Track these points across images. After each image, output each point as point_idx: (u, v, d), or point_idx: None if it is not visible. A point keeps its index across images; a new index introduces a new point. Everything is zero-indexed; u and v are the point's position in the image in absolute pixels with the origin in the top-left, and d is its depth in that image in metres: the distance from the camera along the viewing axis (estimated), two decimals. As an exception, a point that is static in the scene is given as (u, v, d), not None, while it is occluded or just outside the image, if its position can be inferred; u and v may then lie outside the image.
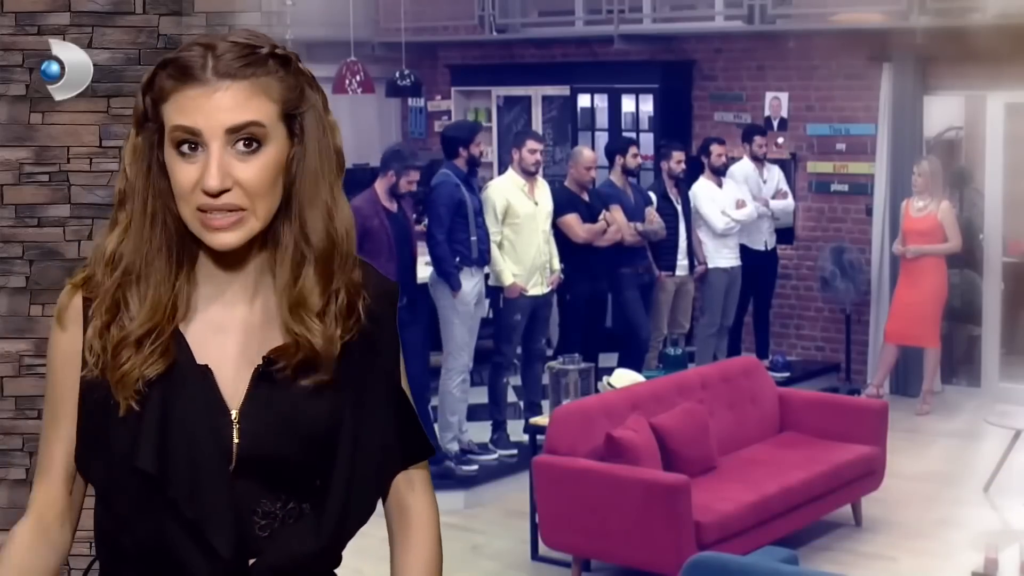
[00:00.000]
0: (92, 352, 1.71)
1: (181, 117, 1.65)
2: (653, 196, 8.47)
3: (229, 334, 1.76)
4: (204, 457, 1.71)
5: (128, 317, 1.71)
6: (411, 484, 1.90)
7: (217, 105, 1.65)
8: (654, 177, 8.90)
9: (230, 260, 1.74)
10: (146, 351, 1.69)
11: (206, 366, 1.72)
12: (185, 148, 1.66)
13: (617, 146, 8.48)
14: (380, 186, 6.96)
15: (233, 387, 1.73)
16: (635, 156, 8.31)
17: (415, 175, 7.08)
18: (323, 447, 1.76)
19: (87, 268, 1.77)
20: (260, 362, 1.74)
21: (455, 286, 7.15)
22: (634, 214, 8.18)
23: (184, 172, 1.66)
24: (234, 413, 1.73)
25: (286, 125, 1.70)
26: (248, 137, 1.66)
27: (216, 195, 1.64)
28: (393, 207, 6.94)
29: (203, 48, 1.67)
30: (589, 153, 8.17)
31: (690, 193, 8.76)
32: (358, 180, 9.04)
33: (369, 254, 6.54)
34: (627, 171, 8.29)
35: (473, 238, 7.22)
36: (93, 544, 1.81)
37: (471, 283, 7.27)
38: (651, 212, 8.29)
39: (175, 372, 1.71)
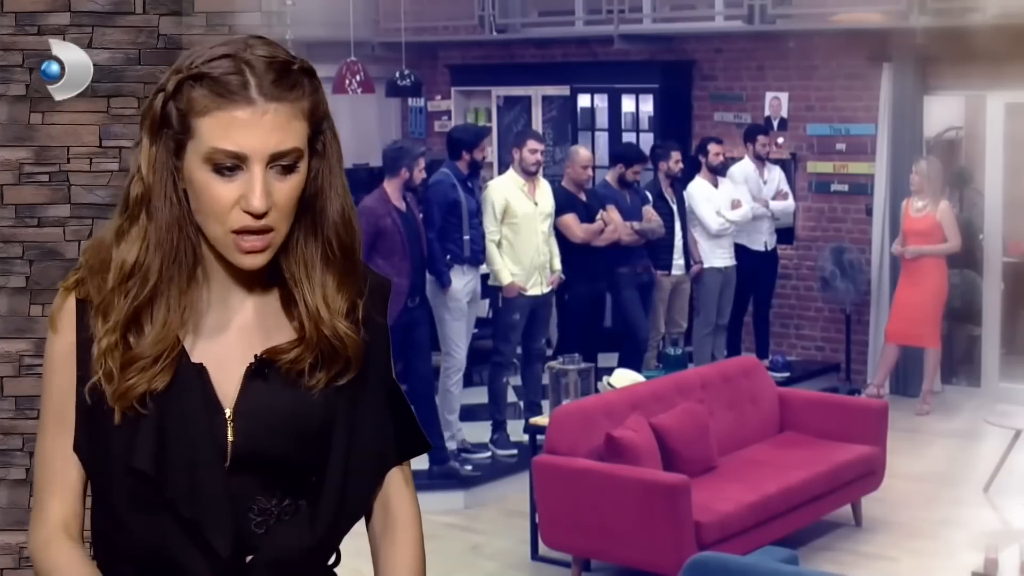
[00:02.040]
0: (98, 362, 1.70)
1: (225, 139, 1.63)
2: (649, 196, 8.48)
3: (225, 334, 1.76)
4: (200, 456, 1.71)
5: (139, 336, 1.70)
6: (395, 481, 1.90)
7: (266, 128, 1.64)
8: (653, 176, 8.89)
9: (245, 272, 1.74)
10: (156, 369, 1.69)
11: (201, 365, 1.73)
12: (223, 167, 1.65)
13: (623, 157, 8.42)
14: (390, 186, 6.95)
15: (228, 386, 1.74)
16: (636, 173, 8.31)
17: (423, 162, 7.10)
18: (318, 443, 1.76)
19: (79, 271, 1.76)
20: (253, 360, 1.74)
21: (445, 283, 7.18)
22: (631, 214, 8.19)
23: (223, 190, 1.65)
24: (228, 411, 1.73)
25: (311, 141, 1.71)
26: (287, 159, 1.67)
27: (259, 216, 1.65)
28: (403, 206, 6.95)
29: (235, 62, 1.65)
30: (585, 152, 8.17)
31: (685, 193, 8.77)
32: (358, 180, 9.06)
33: (382, 253, 6.57)
34: (623, 182, 8.28)
35: (466, 237, 7.24)
36: (90, 544, 1.81)
37: (463, 281, 7.29)
38: (649, 211, 8.30)
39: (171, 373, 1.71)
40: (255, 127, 1.63)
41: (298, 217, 1.72)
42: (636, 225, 8.15)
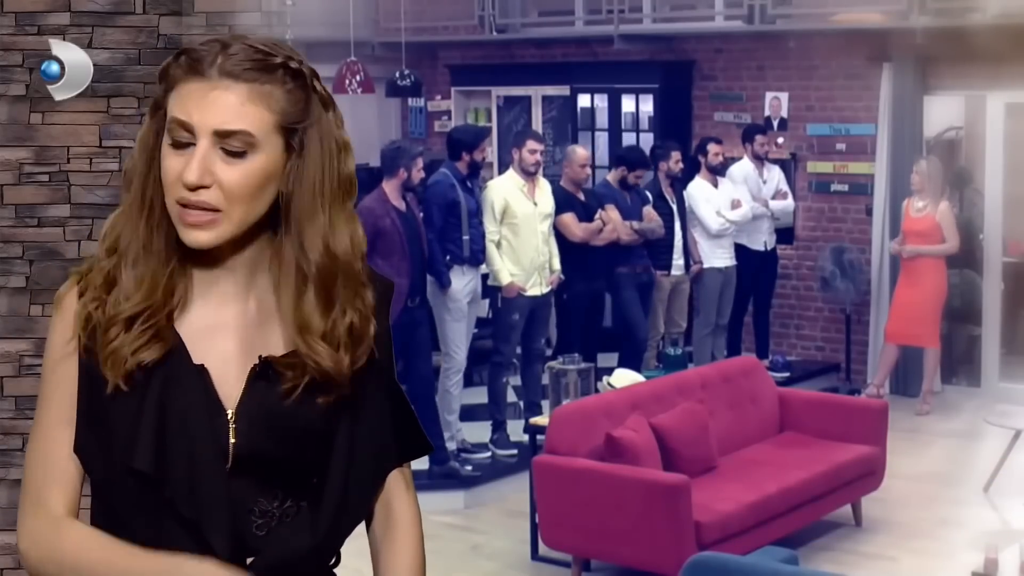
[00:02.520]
0: (88, 325, 1.72)
1: (178, 109, 1.67)
2: (649, 196, 8.48)
3: (225, 333, 1.76)
4: (201, 457, 1.71)
5: (122, 296, 1.71)
6: (395, 483, 1.90)
7: (212, 103, 1.66)
8: (652, 176, 8.89)
9: (213, 258, 1.74)
10: (136, 332, 1.69)
11: (202, 366, 1.73)
12: (180, 139, 1.67)
13: (626, 160, 8.41)
14: (389, 186, 6.95)
15: (229, 386, 1.73)
16: (638, 177, 8.33)
17: (421, 162, 7.10)
18: (319, 445, 1.76)
19: (91, 261, 1.78)
20: (256, 361, 1.74)
21: (444, 284, 7.18)
22: (630, 214, 8.19)
23: (172, 162, 1.68)
24: (230, 412, 1.73)
25: (284, 137, 1.70)
26: (235, 142, 1.67)
27: (193, 189, 1.66)
28: (402, 206, 6.95)
29: (220, 45, 1.68)
30: (582, 151, 8.17)
31: (685, 193, 8.77)
32: (358, 180, 9.05)
33: (382, 254, 6.57)
34: (624, 185, 8.29)
35: (465, 237, 7.24)
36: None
37: (462, 282, 7.29)
38: (649, 210, 8.30)
39: (171, 372, 1.71)
40: (202, 100, 1.66)
41: (288, 231, 1.72)
42: (636, 224, 8.16)
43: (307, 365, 1.72)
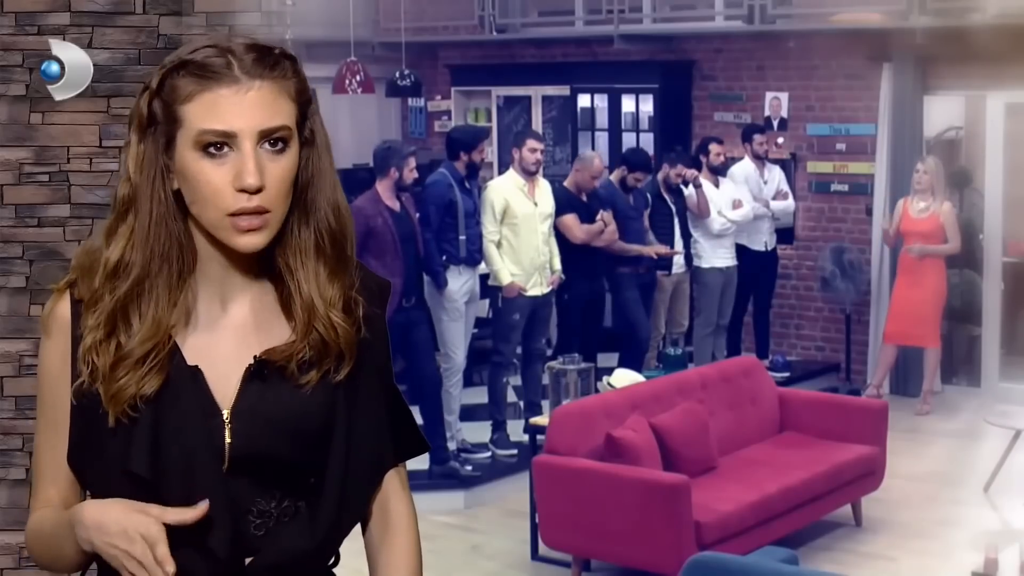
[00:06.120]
0: (86, 363, 1.70)
1: (212, 119, 1.65)
2: (649, 198, 8.49)
3: (221, 335, 1.76)
4: (197, 458, 1.71)
5: (128, 334, 1.70)
6: (392, 482, 1.90)
7: (252, 104, 1.65)
8: (651, 177, 8.89)
9: (241, 263, 1.74)
10: (144, 369, 1.69)
11: (196, 367, 1.72)
12: (212, 149, 1.66)
13: (627, 161, 8.42)
14: (382, 186, 6.95)
15: (225, 387, 1.73)
16: (637, 180, 8.33)
17: (414, 162, 7.09)
18: (316, 444, 1.76)
19: (72, 273, 1.76)
20: (252, 361, 1.74)
21: (440, 284, 7.18)
22: (630, 214, 8.19)
23: (215, 172, 1.66)
24: (226, 413, 1.73)
25: (298, 127, 1.72)
26: (277, 138, 1.68)
27: (254, 193, 1.65)
28: (396, 206, 6.94)
29: (219, 49, 1.67)
30: (599, 163, 8.12)
31: (686, 193, 8.76)
32: (359, 180, 9.06)
33: (374, 253, 6.56)
34: (624, 186, 8.30)
35: (462, 237, 7.23)
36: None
37: (459, 282, 7.29)
38: (658, 249, 8.31)
39: (167, 376, 1.71)
40: (241, 103, 1.65)
41: (292, 206, 1.72)
42: (635, 250, 8.18)
43: (314, 335, 1.72)
